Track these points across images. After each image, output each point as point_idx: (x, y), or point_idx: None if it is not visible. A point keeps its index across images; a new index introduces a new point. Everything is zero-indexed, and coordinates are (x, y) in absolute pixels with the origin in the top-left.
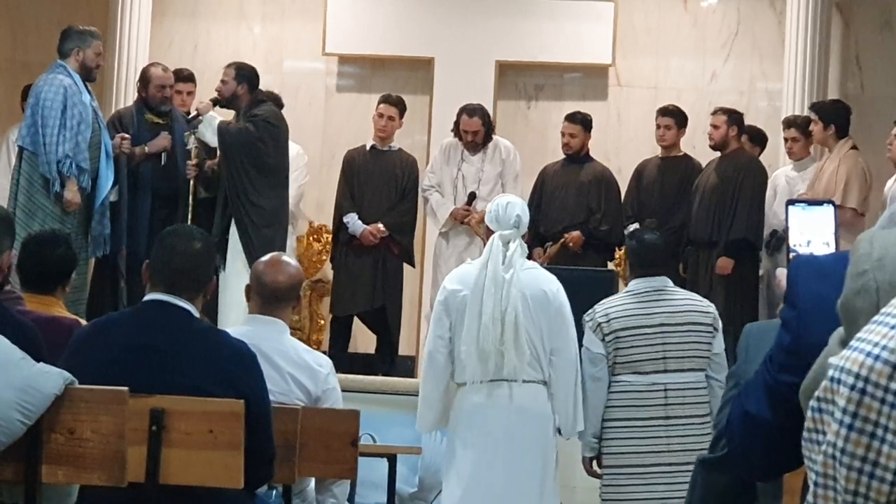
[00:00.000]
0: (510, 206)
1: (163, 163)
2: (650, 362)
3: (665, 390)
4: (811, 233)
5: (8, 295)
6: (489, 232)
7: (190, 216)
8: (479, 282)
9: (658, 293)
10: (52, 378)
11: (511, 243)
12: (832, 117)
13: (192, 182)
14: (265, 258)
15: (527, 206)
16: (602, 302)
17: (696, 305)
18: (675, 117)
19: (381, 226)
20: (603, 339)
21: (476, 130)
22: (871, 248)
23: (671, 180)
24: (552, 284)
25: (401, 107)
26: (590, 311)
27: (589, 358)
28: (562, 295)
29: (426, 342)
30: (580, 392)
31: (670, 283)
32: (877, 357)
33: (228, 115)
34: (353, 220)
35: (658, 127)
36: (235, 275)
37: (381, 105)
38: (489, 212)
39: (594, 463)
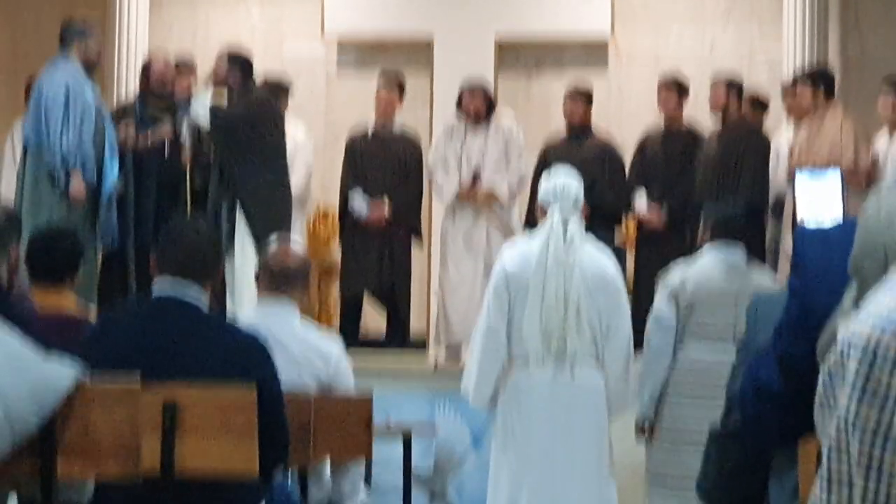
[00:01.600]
0: (568, 184)
1: (167, 153)
2: (719, 335)
3: (731, 366)
4: (819, 201)
5: (17, 292)
6: (544, 211)
7: (189, 206)
8: (542, 261)
9: (736, 267)
10: (64, 373)
11: (570, 223)
12: (823, 81)
13: (188, 172)
14: (272, 246)
15: (582, 183)
16: (677, 267)
17: (771, 286)
18: (675, 85)
19: (385, 202)
20: (676, 305)
21: (478, 107)
22: (878, 210)
23: (675, 149)
24: (610, 264)
25: (400, 86)
26: (664, 275)
27: (658, 322)
28: (619, 275)
29: (482, 317)
30: (632, 370)
31: (744, 257)
32: (884, 328)
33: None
34: (358, 199)
35: (660, 94)
36: (245, 257)
37: (381, 90)
38: (545, 191)
39: (647, 430)
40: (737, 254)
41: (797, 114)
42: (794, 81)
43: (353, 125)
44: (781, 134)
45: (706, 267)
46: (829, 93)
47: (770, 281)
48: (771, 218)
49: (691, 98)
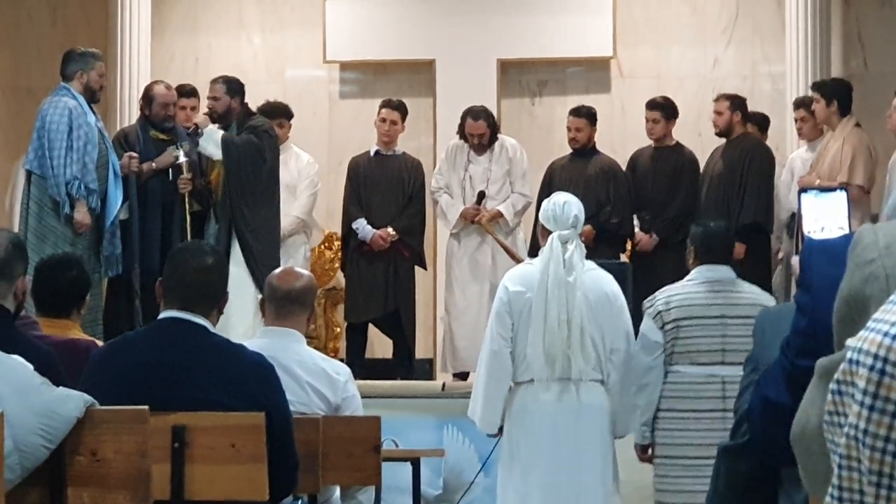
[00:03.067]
0: (567, 205)
1: (170, 178)
2: (708, 353)
3: (723, 383)
4: (825, 219)
5: (24, 320)
6: (545, 232)
7: (189, 231)
8: (543, 284)
9: (721, 283)
10: (72, 401)
11: (569, 244)
12: (834, 94)
13: (186, 196)
14: (277, 270)
15: (582, 205)
16: (663, 289)
17: (759, 298)
18: (662, 110)
19: (390, 230)
20: (662, 328)
21: (482, 133)
22: (876, 238)
23: (664, 170)
24: (613, 286)
25: (402, 110)
26: (650, 297)
27: (645, 345)
28: (621, 295)
29: (487, 341)
30: (634, 391)
31: (734, 274)
32: (894, 336)
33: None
34: (362, 226)
35: (647, 121)
36: (239, 287)
37: (383, 110)
38: (544, 211)
39: (648, 451)
40: (722, 273)
41: (808, 135)
42: (804, 100)
43: (355, 149)
44: (793, 151)
45: (690, 288)
46: (844, 106)
47: (761, 297)
48: (786, 234)
49: (694, 116)
